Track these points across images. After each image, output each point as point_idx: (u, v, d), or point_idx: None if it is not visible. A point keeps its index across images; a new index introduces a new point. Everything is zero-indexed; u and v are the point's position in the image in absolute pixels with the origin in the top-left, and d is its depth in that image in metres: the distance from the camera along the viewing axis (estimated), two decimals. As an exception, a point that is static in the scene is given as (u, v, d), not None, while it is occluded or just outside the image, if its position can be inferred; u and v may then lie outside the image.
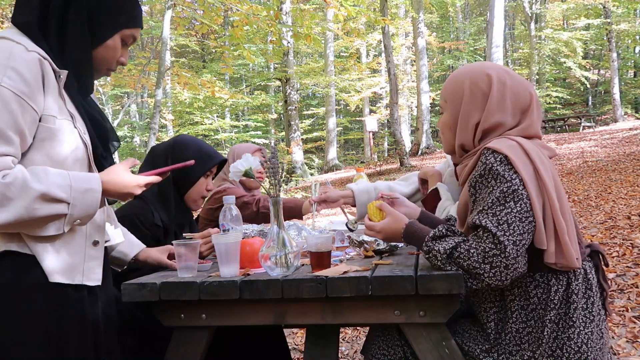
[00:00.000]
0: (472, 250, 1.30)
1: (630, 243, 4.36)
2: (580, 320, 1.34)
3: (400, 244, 1.74)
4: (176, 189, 2.05)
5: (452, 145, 1.50)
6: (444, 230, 1.41)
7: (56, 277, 1.27)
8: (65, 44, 1.31)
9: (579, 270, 1.37)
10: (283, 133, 20.41)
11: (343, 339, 3.33)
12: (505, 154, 1.30)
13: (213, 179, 2.19)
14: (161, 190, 1.99)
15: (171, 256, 1.70)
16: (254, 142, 21.56)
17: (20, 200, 1.17)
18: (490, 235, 1.27)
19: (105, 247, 1.44)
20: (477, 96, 1.41)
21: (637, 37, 23.62)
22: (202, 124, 19.65)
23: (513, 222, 1.27)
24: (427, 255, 1.39)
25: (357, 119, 24.93)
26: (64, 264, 1.28)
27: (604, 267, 1.48)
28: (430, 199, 2.08)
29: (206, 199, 2.35)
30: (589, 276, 1.39)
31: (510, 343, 1.39)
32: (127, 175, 1.35)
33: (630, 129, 14.87)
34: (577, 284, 1.36)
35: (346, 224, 2.09)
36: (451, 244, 1.35)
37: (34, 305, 1.24)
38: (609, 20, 19.97)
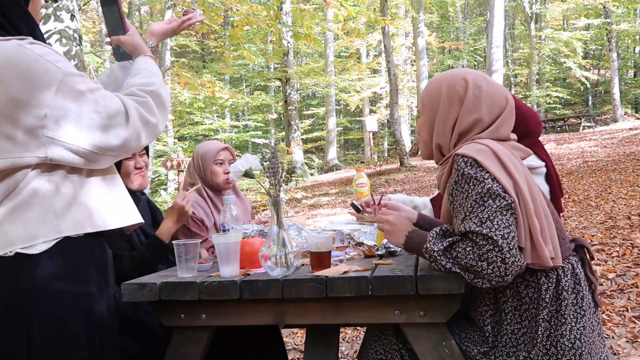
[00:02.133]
0: (467, 249, 1.30)
1: (630, 243, 4.36)
2: (572, 316, 1.35)
3: (400, 248, 1.74)
4: None
5: (429, 147, 1.53)
6: (439, 231, 1.41)
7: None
8: (11, 17, 1.31)
9: (567, 266, 1.39)
10: (283, 133, 20.40)
11: (343, 339, 3.33)
12: (474, 157, 1.33)
13: (148, 155, 2.24)
14: None
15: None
16: (254, 143, 21.61)
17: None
18: (479, 235, 1.28)
19: (107, 241, 1.43)
20: (453, 99, 1.45)
21: (637, 37, 23.62)
22: (202, 124, 19.64)
23: (495, 217, 1.28)
24: (430, 260, 1.39)
25: (357, 119, 24.94)
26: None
27: (590, 261, 1.49)
28: (439, 200, 2.11)
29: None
30: (576, 271, 1.41)
31: (507, 345, 1.40)
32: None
33: (630, 129, 14.86)
34: (566, 280, 1.37)
35: (352, 203, 2.09)
36: (446, 243, 1.35)
37: (36, 311, 1.24)
38: (609, 20, 19.97)
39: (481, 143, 1.39)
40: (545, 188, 1.92)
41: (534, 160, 1.91)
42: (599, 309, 1.47)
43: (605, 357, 1.45)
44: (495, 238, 1.25)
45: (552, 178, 1.94)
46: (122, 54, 1.60)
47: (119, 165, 2.08)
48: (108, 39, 1.62)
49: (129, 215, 1.42)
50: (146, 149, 2.25)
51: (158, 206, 2.38)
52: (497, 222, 1.27)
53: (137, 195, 2.19)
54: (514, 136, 1.50)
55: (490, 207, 1.28)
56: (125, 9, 21.84)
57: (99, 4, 1.66)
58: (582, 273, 1.43)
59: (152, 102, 1.39)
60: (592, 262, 1.56)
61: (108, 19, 1.59)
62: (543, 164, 1.94)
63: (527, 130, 1.91)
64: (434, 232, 1.41)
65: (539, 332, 1.35)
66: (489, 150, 1.36)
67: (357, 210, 1.94)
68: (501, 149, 1.37)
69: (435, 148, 1.51)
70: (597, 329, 1.43)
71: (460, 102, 1.44)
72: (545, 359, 1.35)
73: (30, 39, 1.27)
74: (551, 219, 1.38)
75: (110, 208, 1.37)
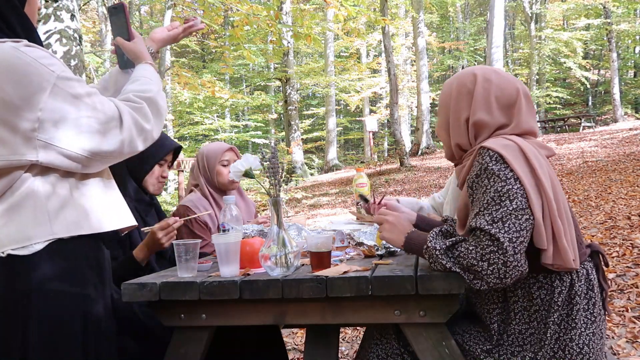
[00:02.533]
0: (470, 248, 1.28)
1: (630, 243, 4.36)
2: (582, 322, 1.34)
3: (399, 249, 1.74)
4: (132, 176, 2.10)
5: (449, 146, 1.52)
6: (439, 231, 1.40)
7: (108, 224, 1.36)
8: (6, 18, 1.31)
9: (581, 271, 1.38)
10: (283, 133, 20.41)
11: (343, 339, 3.33)
12: (500, 153, 1.31)
13: (170, 167, 2.24)
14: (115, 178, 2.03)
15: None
16: (254, 143, 21.62)
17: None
18: (487, 234, 1.26)
19: (104, 244, 1.43)
20: (463, 94, 1.46)
21: (637, 37, 23.62)
22: (202, 124, 19.65)
23: (508, 220, 1.25)
24: (430, 259, 1.38)
25: (357, 119, 24.95)
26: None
27: (604, 267, 1.48)
28: None
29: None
30: (590, 276, 1.39)
31: (512, 344, 1.39)
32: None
33: (630, 129, 14.86)
34: (579, 285, 1.36)
35: (361, 195, 2.09)
36: (448, 242, 1.34)
37: (31, 311, 1.24)
38: (609, 20, 19.97)
39: (508, 138, 1.37)
40: None
41: None
42: (607, 316, 1.47)
43: None
44: (501, 240, 1.23)
45: None
46: (126, 62, 1.61)
47: (149, 168, 2.11)
48: (113, 47, 1.62)
49: (123, 218, 1.42)
50: (173, 159, 2.27)
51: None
52: (509, 224, 1.25)
53: (151, 198, 2.21)
54: (538, 133, 1.48)
55: (505, 208, 1.26)
56: (125, 9, 21.83)
57: (107, 11, 1.68)
58: (596, 279, 1.41)
59: (147, 109, 1.38)
60: (607, 269, 1.54)
61: (114, 26, 1.60)
62: None
63: None
64: (433, 232, 1.40)
65: (548, 335, 1.34)
66: (515, 146, 1.34)
67: (366, 200, 1.95)
68: (528, 146, 1.35)
69: (455, 147, 1.50)
70: (604, 336, 1.42)
71: (470, 95, 1.45)
72: None
73: (26, 42, 1.27)
74: (572, 221, 1.36)
75: (105, 210, 1.37)
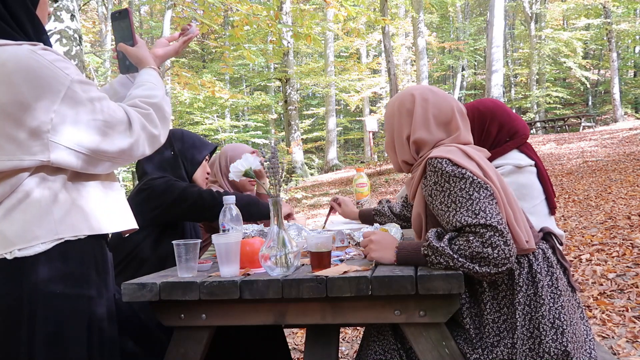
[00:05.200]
0: (470, 238, 1.34)
1: (630, 243, 4.36)
2: (549, 297, 1.41)
3: None
4: (186, 174, 2.22)
5: (397, 163, 1.64)
6: (435, 232, 1.43)
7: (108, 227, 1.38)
8: (19, 21, 1.32)
9: (537, 252, 1.47)
10: (283, 133, 20.42)
11: (343, 339, 3.33)
12: (448, 157, 1.43)
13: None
14: (174, 170, 2.17)
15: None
16: (254, 143, 21.62)
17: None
18: (478, 226, 1.34)
19: (108, 243, 1.44)
20: (403, 114, 1.58)
21: (637, 37, 23.63)
22: (202, 124, 19.66)
23: (486, 207, 1.35)
24: (433, 256, 1.39)
25: (357, 119, 24.97)
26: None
27: (559, 247, 1.58)
28: None
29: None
30: (547, 255, 1.49)
31: (490, 335, 1.43)
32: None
33: (630, 129, 14.87)
34: (538, 264, 1.44)
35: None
36: (447, 237, 1.38)
37: (36, 313, 1.24)
38: (609, 20, 19.97)
39: (448, 145, 1.50)
40: (538, 186, 1.94)
41: (523, 159, 1.94)
42: (577, 293, 1.56)
43: (592, 340, 1.50)
44: (494, 224, 1.33)
45: (543, 177, 1.97)
46: (128, 66, 1.61)
47: (200, 159, 2.24)
48: (114, 52, 1.62)
49: (124, 220, 1.44)
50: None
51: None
52: (489, 210, 1.35)
53: None
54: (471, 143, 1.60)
55: (477, 199, 1.36)
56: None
57: (110, 17, 1.69)
58: (554, 258, 1.50)
59: (154, 115, 1.41)
60: (562, 247, 1.66)
61: (117, 31, 1.60)
62: (532, 162, 1.96)
63: (516, 130, 1.98)
64: (431, 232, 1.43)
65: (517, 316, 1.40)
66: (457, 150, 1.47)
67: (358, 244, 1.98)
68: (468, 148, 1.49)
69: (402, 163, 1.62)
70: (577, 312, 1.50)
71: (410, 115, 1.56)
72: (530, 342, 1.38)
73: (42, 45, 1.29)
74: (520, 208, 1.47)
75: (106, 212, 1.38)
